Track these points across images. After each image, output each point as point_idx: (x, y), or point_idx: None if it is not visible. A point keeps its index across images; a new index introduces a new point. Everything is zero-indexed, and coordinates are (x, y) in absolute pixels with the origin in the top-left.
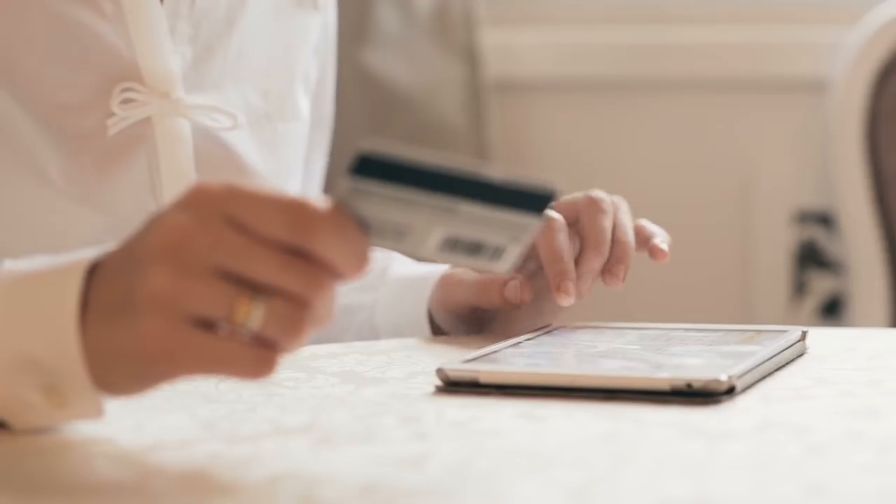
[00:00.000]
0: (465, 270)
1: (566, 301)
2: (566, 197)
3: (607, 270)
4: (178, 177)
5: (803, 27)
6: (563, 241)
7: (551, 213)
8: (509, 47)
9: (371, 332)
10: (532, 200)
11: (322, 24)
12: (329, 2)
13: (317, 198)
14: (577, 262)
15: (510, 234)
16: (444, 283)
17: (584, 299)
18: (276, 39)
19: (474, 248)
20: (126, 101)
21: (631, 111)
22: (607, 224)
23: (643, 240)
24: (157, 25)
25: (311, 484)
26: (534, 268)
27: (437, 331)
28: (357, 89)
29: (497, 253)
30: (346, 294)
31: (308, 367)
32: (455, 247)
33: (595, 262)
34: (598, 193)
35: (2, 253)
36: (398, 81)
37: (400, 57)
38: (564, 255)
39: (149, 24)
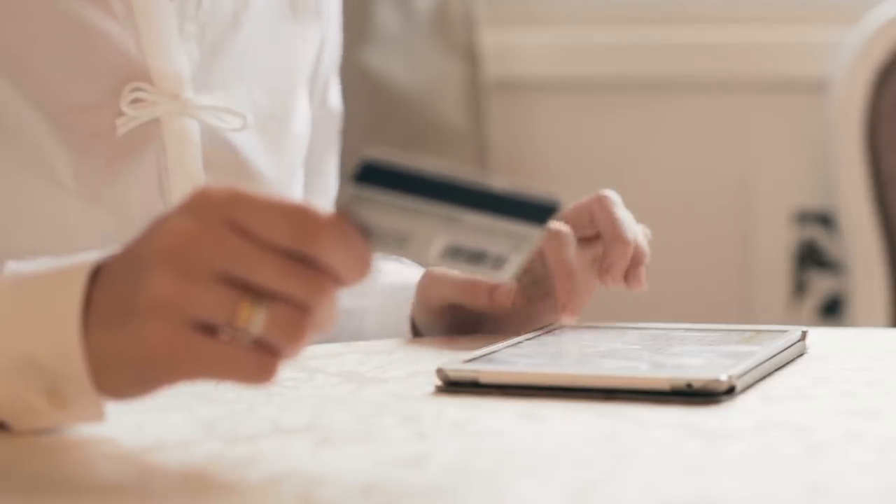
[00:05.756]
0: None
1: (571, 320)
2: (575, 202)
3: (629, 273)
4: (186, 177)
5: (803, 27)
6: (573, 255)
7: (560, 225)
8: (509, 47)
9: (360, 338)
10: (535, 211)
11: (321, 39)
12: (332, 14)
13: (320, 204)
14: (603, 256)
15: (512, 243)
16: (424, 278)
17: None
18: (280, 40)
19: (476, 257)
20: (135, 101)
21: (631, 111)
22: (625, 215)
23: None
24: (166, 26)
25: (311, 484)
26: (529, 281)
27: (418, 335)
28: (357, 89)
29: (499, 262)
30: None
31: (308, 367)
32: (457, 255)
33: (625, 251)
34: (607, 192)
35: (12, 251)
36: (398, 81)
37: (400, 57)
38: (575, 272)
39: (158, 24)
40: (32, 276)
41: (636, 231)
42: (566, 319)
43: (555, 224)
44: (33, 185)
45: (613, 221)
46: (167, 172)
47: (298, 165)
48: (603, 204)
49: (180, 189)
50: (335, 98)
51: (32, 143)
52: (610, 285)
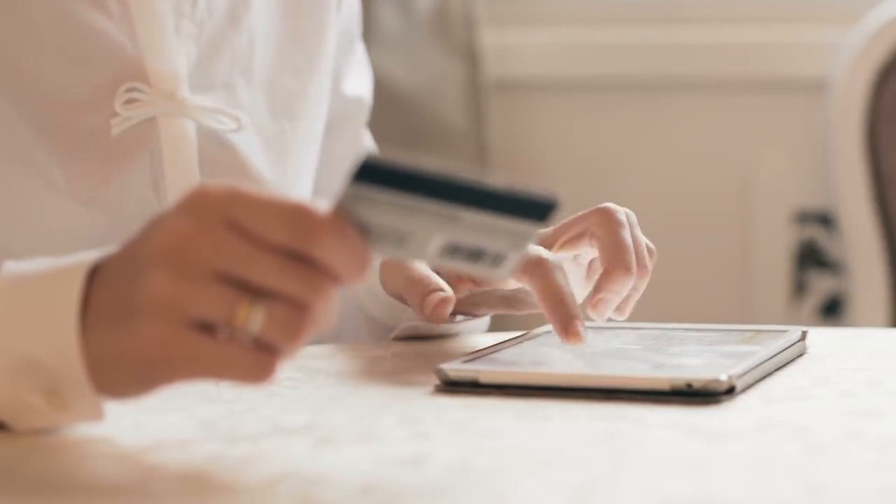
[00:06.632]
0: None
1: (579, 343)
2: (575, 215)
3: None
4: (182, 178)
5: (803, 27)
6: (561, 280)
7: (542, 251)
8: (509, 47)
9: (357, 304)
10: (533, 209)
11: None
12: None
13: (317, 203)
14: (601, 282)
15: (511, 241)
16: (381, 267)
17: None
18: (287, 38)
19: (475, 255)
20: (130, 101)
21: (630, 111)
22: (629, 240)
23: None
24: (163, 25)
25: (311, 484)
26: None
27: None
28: None
29: (497, 260)
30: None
31: (308, 367)
32: (456, 253)
33: (626, 283)
34: (610, 205)
35: (6, 253)
36: (398, 81)
37: (400, 57)
38: (566, 295)
39: (155, 23)
40: (31, 276)
41: (641, 250)
42: (575, 343)
43: (537, 251)
44: (27, 187)
45: (616, 246)
46: (162, 173)
47: (304, 168)
48: (607, 222)
49: (176, 190)
50: (353, 87)
51: (26, 144)
52: (597, 320)
